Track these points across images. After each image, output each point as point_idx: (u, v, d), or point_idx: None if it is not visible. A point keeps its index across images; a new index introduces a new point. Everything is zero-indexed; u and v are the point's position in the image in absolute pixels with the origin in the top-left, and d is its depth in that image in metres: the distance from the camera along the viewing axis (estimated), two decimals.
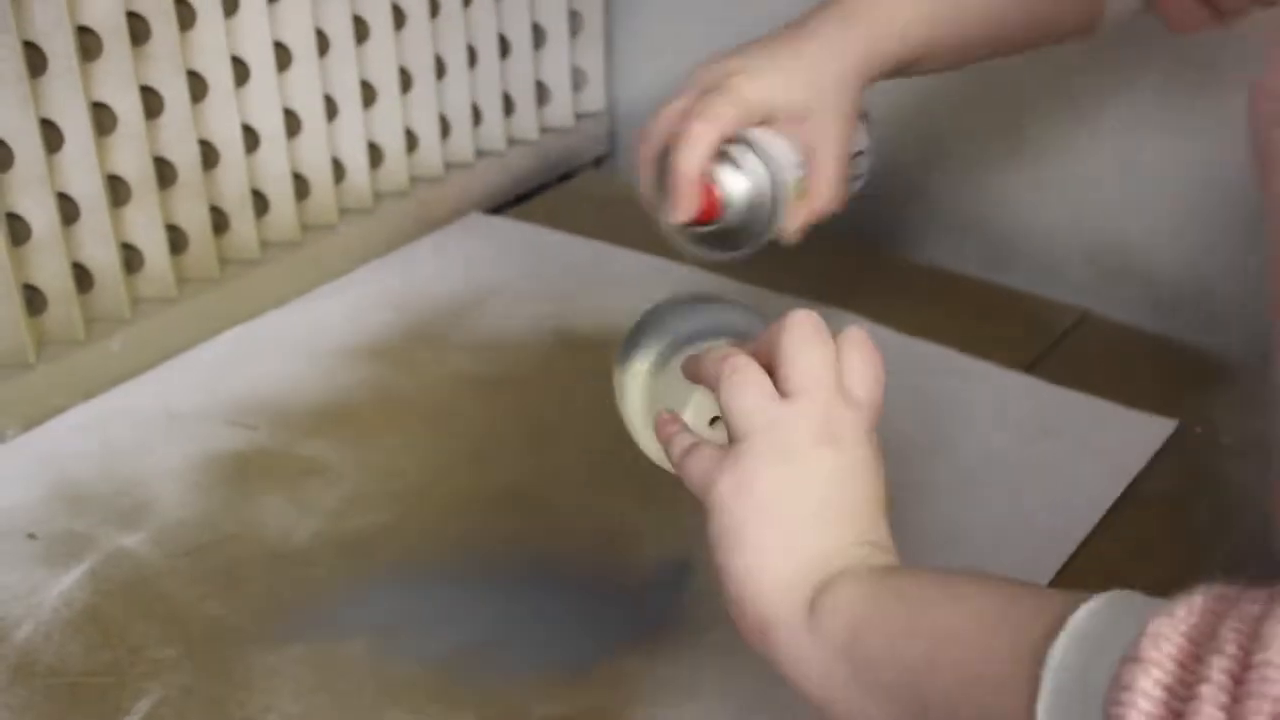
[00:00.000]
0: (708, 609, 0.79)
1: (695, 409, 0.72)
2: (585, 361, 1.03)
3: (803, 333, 0.62)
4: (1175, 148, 1.09)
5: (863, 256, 1.18)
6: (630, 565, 0.83)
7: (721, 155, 0.80)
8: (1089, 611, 0.47)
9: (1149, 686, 0.41)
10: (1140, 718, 0.41)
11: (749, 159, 0.81)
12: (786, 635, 0.57)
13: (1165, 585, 0.81)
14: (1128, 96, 1.10)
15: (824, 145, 0.82)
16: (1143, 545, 0.84)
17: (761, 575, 0.59)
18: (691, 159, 0.78)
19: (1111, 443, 0.92)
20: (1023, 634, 0.48)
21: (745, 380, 0.62)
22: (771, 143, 0.81)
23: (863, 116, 0.86)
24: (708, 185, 0.80)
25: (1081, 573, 0.81)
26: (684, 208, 0.79)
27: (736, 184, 0.81)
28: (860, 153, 0.87)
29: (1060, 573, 0.81)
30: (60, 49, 0.93)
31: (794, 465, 0.60)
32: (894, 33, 0.82)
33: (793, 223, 0.82)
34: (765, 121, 0.81)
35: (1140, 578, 0.80)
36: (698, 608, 0.79)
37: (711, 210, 0.80)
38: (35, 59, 0.92)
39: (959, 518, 0.86)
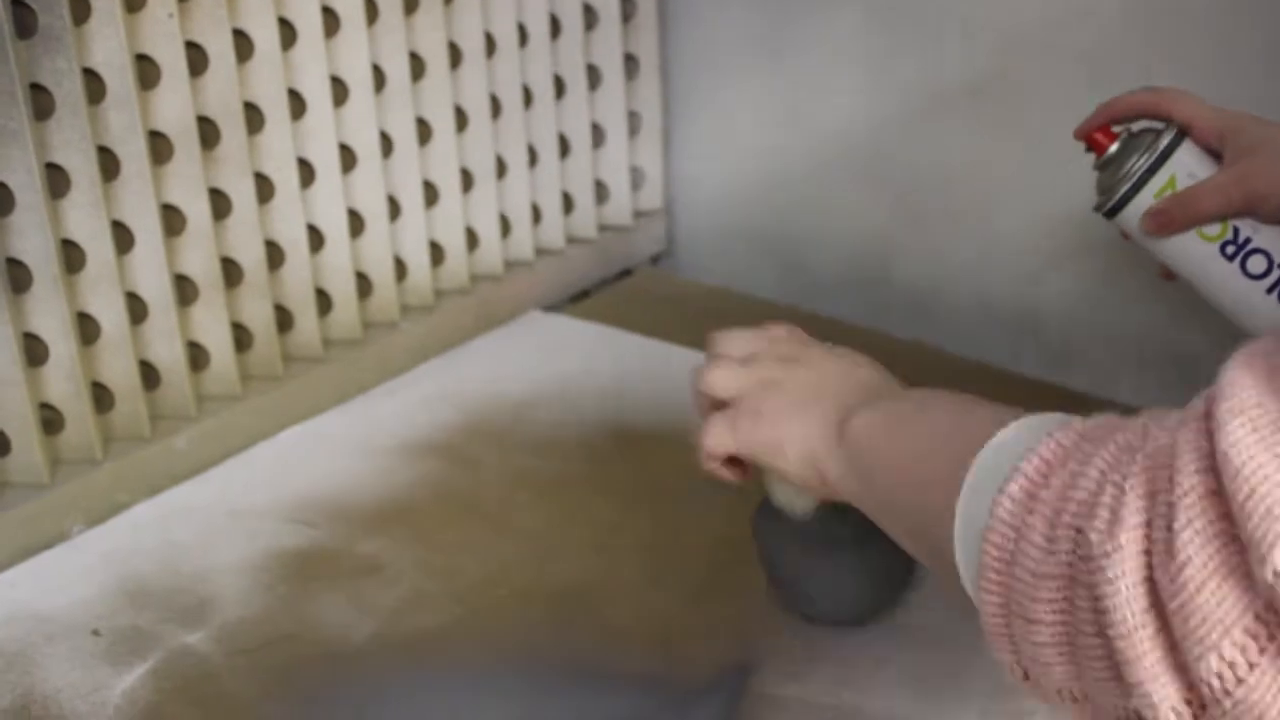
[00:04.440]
0: (765, 712, 0.78)
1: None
2: (643, 460, 1.03)
3: (720, 338, 0.78)
4: None
5: (922, 356, 1.18)
6: (688, 668, 0.83)
7: (1152, 129, 0.86)
8: (1015, 425, 0.57)
9: (1015, 490, 0.51)
10: (1004, 511, 0.51)
11: (1160, 137, 0.85)
12: (829, 463, 0.69)
13: None
14: None
15: (1233, 173, 0.83)
16: None
17: (807, 429, 0.70)
18: (1119, 99, 0.88)
19: None
20: (969, 444, 0.57)
21: (710, 367, 0.76)
22: (1189, 147, 0.85)
23: None
24: (1108, 128, 0.87)
25: None
26: (1089, 121, 0.88)
27: (1124, 139, 0.87)
28: None
29: None
30: (133, 153, 0.95)
31: (784, 384, 0.73)
32: None
33: (1149, 211, 0.85)
34: (1219, 150, 0.85)
35: None
36: (755, 712, 0.79)
37: (1099, 144, 0.87)
38: (109, 163, 0.95)
39: None
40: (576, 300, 1.33)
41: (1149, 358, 1.16)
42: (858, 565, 0.82)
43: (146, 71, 0.96)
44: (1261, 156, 0.83)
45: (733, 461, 0.76)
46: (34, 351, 0.95)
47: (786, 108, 1.31)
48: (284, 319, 1.10)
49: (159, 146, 0.98)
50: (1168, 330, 1.14)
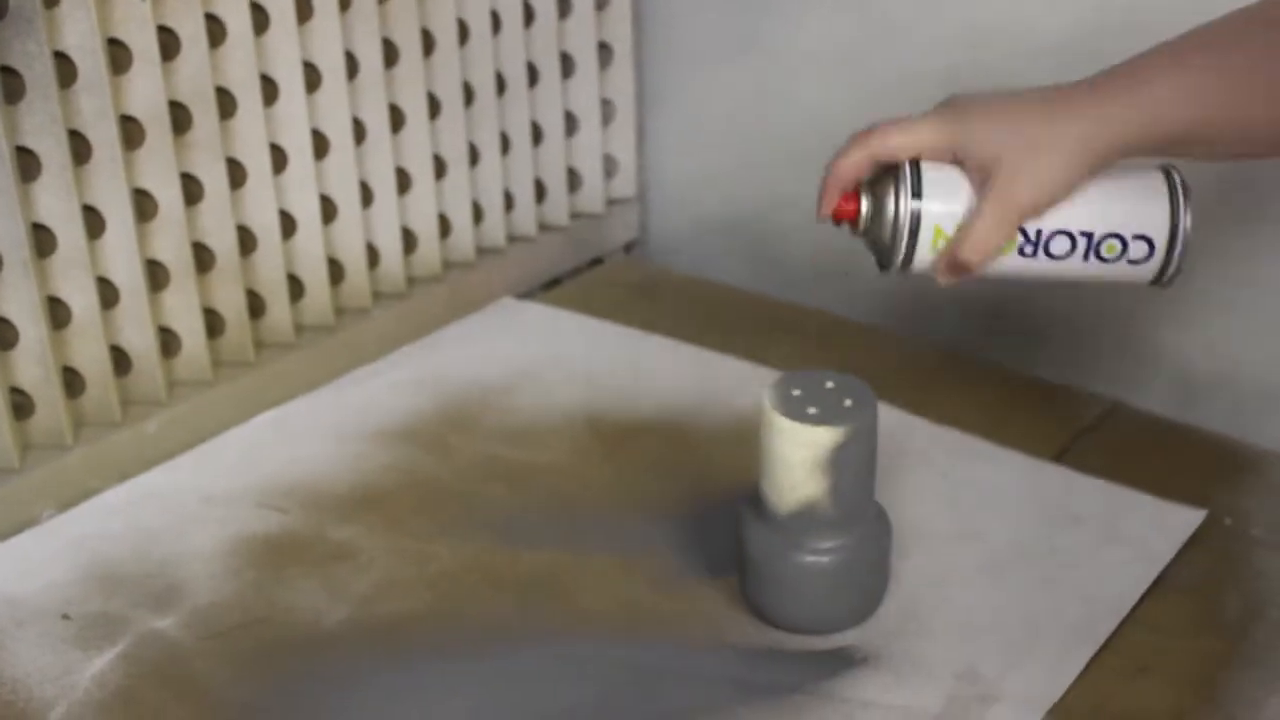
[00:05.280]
0: (732, 694, 0.79)
1: None
2: (614, 446, 1.03)
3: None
4: (1202, 238, 1.09)
5: (892, 344, 1.19)
6: (657, 655, 0.83)
7: (894, 173, 0.85)
8: None
9: None
10: None
11: (904, 185, 0.84)
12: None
13: (1195, 677, 0.81)
14: None
15: (994, 203, 0.82)
16: (1173, 636, 0.83)
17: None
18: (841, 163, 0.86)
19: (1140, 533, 0.92)
20: None
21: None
22: (938, 180, 0.85)
23: (1173, 199, 0.85)
24: (854, 192, 0.86)
25: (1111, 665, 0.81)
26: (823, 204, 0.87)
27: (877, 202, 0.86)
28: (1134, 237, 0.85)
29: (1089, 665, 0.80)
30: (104, 138, 0.95)
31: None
32: (1151, 110, 0.81)
33: (936, 264, 0.86)
34: (956, 161, 0.85)
35: (1170, 670, 0.80)
36: (720, 694, 0.79)
37: (847, 213, 0.87)
38: (80, 147, 0.95)
39: (987, 607, 0.85)
40: (548, 288, 1.33)
41: (1114, 346, 1.17)
42: (832, 574, 0.80)
43: (118, 55, 0.95)
44: (1008, 169, 0.81)
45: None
46: (4, 336, 0.94)
47: (760, 97, 1.31)
48: (256, 305, 1.10)
49: (130, 131, 0.98)
50: (1132, 314, 1.15)
